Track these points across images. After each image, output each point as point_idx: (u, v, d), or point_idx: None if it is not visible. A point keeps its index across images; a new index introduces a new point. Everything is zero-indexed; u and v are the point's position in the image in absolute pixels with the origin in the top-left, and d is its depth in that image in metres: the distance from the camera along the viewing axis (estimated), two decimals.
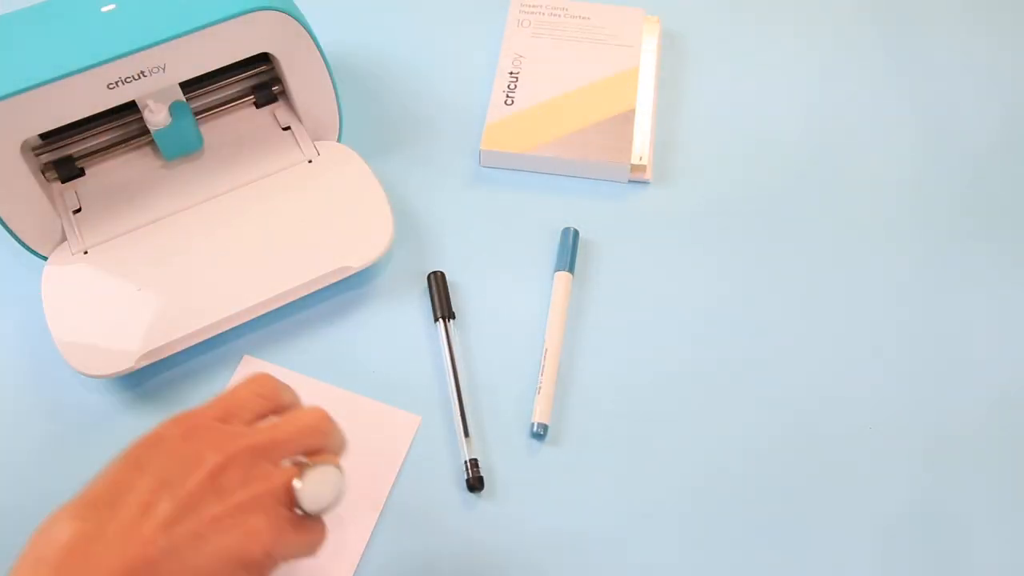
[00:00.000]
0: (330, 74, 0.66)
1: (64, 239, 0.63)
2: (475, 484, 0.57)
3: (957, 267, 0.67)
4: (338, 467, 0.43)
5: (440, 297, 0.63)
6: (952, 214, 0.69)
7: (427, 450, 0.59)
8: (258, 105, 0.70)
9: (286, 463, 0.43)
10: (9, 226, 0.61)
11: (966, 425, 0.60)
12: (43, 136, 0.64)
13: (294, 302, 0.62)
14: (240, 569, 0.39)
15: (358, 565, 0.54)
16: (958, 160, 0.72)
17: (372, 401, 0.60)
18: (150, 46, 0.58)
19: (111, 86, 0.59)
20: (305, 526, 0.42)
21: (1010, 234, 0.68)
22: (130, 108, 0.64)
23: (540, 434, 0.59)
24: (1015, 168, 0.72)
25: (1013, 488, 0.58)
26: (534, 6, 0.78)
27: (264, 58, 0.67)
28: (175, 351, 0.59)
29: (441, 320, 0.62)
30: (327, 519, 0.44)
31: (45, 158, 0.65)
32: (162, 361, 0.60)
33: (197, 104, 0.68)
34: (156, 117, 0.63)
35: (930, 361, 0.63)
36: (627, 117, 0.71)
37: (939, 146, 0.73)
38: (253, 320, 0.61)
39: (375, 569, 0.54)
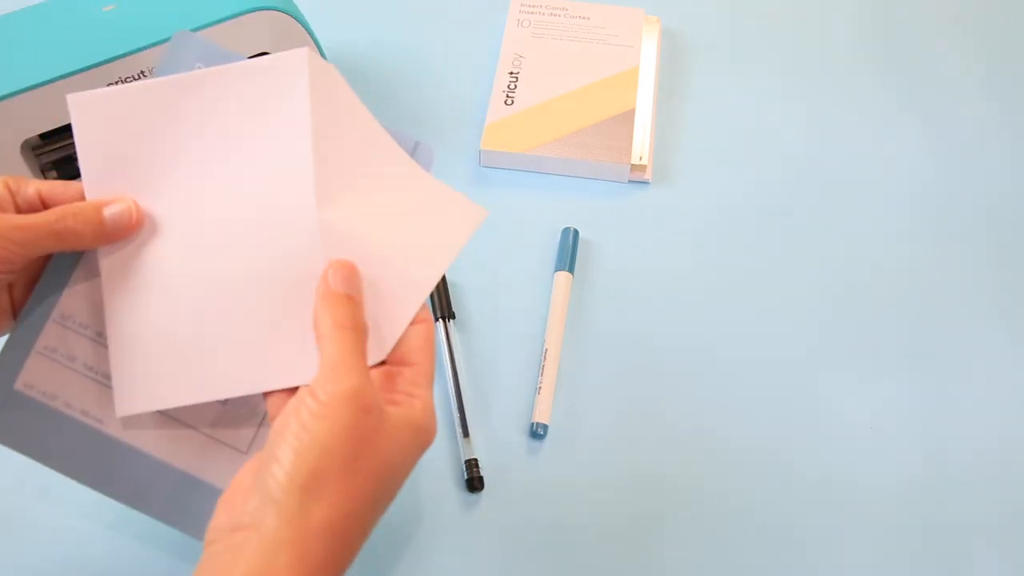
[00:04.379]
0: None
1: None
2: (475, 484, 0.57)
3: (957, 266, 0.67)
4: None
5: (440, 297, 0.63)
6: (953, 213, 0.69)
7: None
8: None
9: None
10: None
11: (965, 433, 0.60)
12: (43, 136, 0.64)
13: None
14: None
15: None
16: (957, 159, 0.72)
17: (435, 182, 0.47)
18: (150, 46, 0.58)
19: (111, 86, 0.59)
20: None
21: (1010, 239, 0.68)
22: None
23: (540, 434, 0.59)
24: (1014, 168, 0.72)
25: (1012, 496, 0.58)
26: (534, 6, 0.78)
27: None
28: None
29: (441, 320, 0.62)
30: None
31: (45, 158, 0.65)
32: None
33: None
34: None
35: (930, 364, 0.63)
36: (627, 117, 0.71)
37: (939, 142, 0.73)
38: None
39: (373, 569, 0.54)
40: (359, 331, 0.40)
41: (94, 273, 0.44)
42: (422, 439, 0.42)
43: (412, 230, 0.45)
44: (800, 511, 0.57)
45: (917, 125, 0.74)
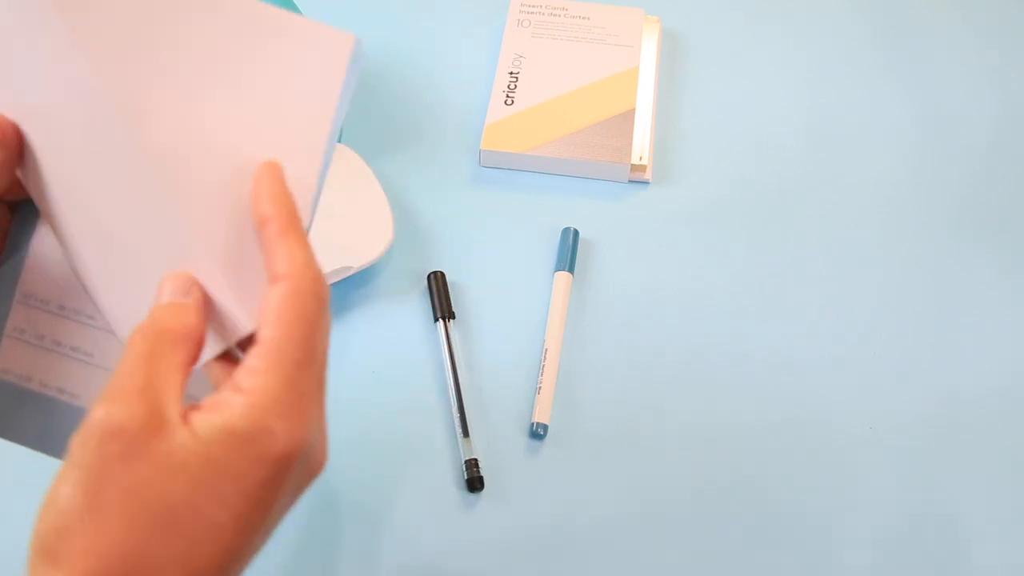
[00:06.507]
0: None
1: None
2: (475, 484, 0.57)
3: (955, 266, 0.67)
4: None
5: (440, 297, 0.63)
6: (950, 213, 0.69)
7: (427, 450, 0.58)
8: None
9: None
10: None
11: (964, 425, 0.60)
12: None
13: None
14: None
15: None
16: (956, 160, 0.72)
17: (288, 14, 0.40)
18: None
19: None
20: None
21: (1009, 232, 0.68)
22: None
23: (540, 434, 0.59)
24: (1013, 167, 0.72)
25: (1012, 490, 0.58)
26: (534, 6, 0.78)
27: None
28: None
29: (441, 320, 0.62)
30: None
31: None
32: None
33: None
34: None
35: (929, 360, 0.63)
36: (627, 117, 0.72)
37: (938, 144, 0.73)
38: None
39: (373, 569, 0.54)
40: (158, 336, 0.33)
41: (47, 246, 0.44)
42: (254, 452, 0.30)
43: (264, 120, 0.39)
44: (801, 511, 0.57)
45: (921, 124, 0.74)
